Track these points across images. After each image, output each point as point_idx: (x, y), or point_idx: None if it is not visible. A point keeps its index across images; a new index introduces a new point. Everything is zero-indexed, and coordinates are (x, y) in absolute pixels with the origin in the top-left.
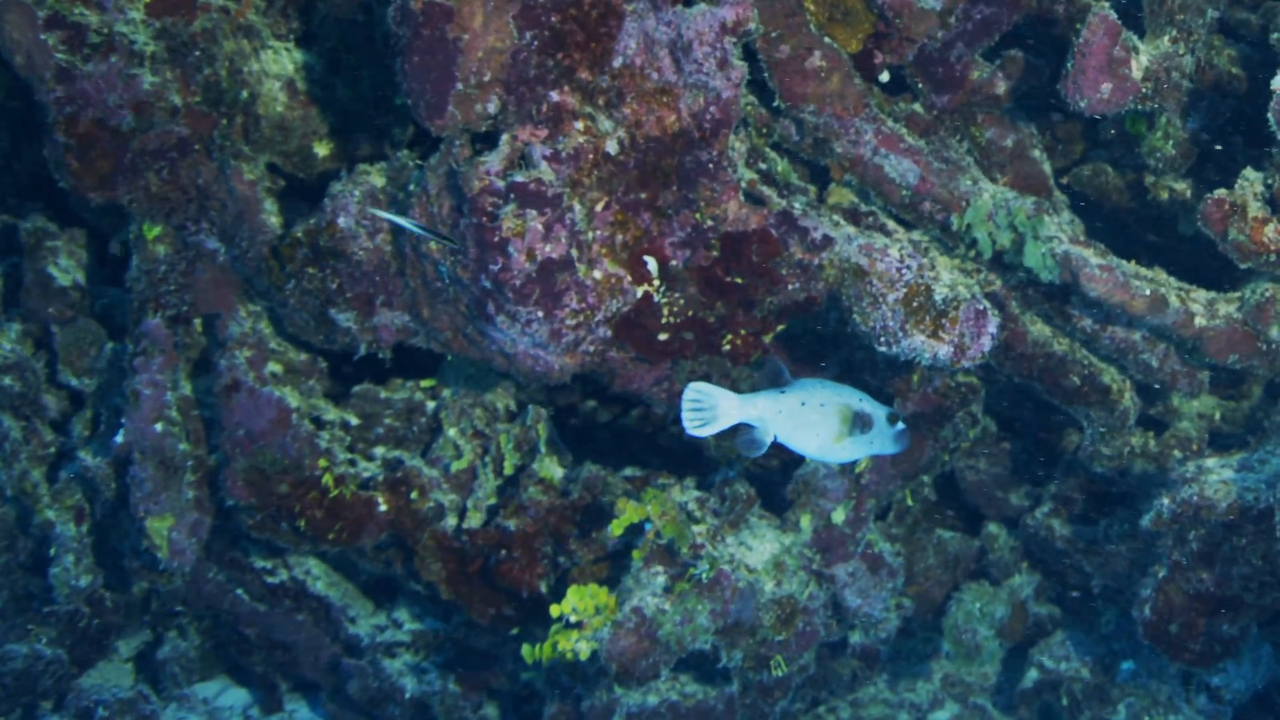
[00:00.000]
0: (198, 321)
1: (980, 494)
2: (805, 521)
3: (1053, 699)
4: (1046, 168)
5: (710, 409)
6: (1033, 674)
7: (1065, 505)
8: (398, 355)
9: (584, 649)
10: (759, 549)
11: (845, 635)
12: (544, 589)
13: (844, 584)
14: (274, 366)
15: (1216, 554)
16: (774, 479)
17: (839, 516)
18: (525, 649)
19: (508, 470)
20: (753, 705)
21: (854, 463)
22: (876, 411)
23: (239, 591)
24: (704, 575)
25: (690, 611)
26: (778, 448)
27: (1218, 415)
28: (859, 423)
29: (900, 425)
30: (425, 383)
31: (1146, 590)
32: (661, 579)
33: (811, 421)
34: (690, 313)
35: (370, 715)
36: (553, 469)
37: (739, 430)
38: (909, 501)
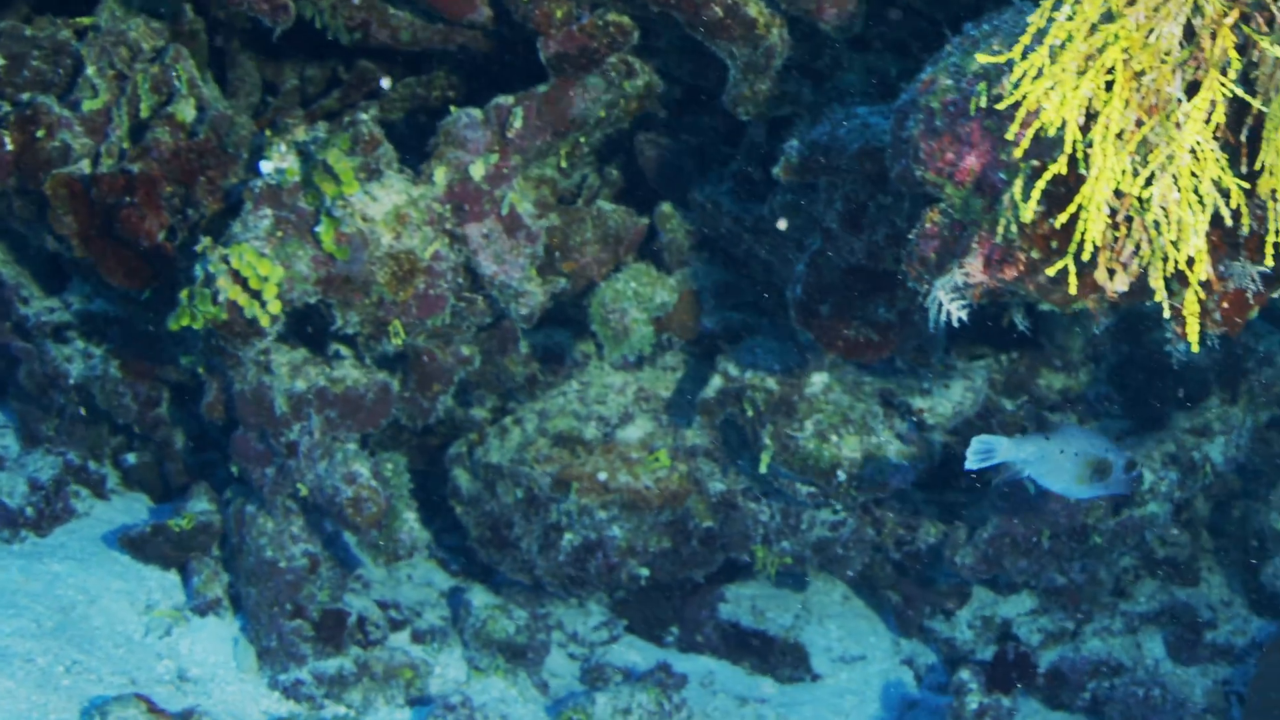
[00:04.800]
0: None
1: (661, 173)
2: (440, 174)
3: (736, 410)
4: None
5: (992, 451)
6: (716, 381)
7: (746, 184)
8: None
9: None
10: (383, 199)
11: (502, 313)
12: (164, 240)
13: (477, 246)
14: None
15: (864, 215)
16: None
17: (478, 171)
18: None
19: (144, 113)
20: (411, 399)
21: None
22: (1117, 460)
23: None
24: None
25: (289, 256)
26: None
27: (894, 71)
28: (1101, 470)
29: (1135, 471)
30: (80, 20)
31: (800, 265)
32: (268, 222)
33: (1064, 467)
34: None
35: (40, 405)
36: (187, 110)
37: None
38: (563, 164)
